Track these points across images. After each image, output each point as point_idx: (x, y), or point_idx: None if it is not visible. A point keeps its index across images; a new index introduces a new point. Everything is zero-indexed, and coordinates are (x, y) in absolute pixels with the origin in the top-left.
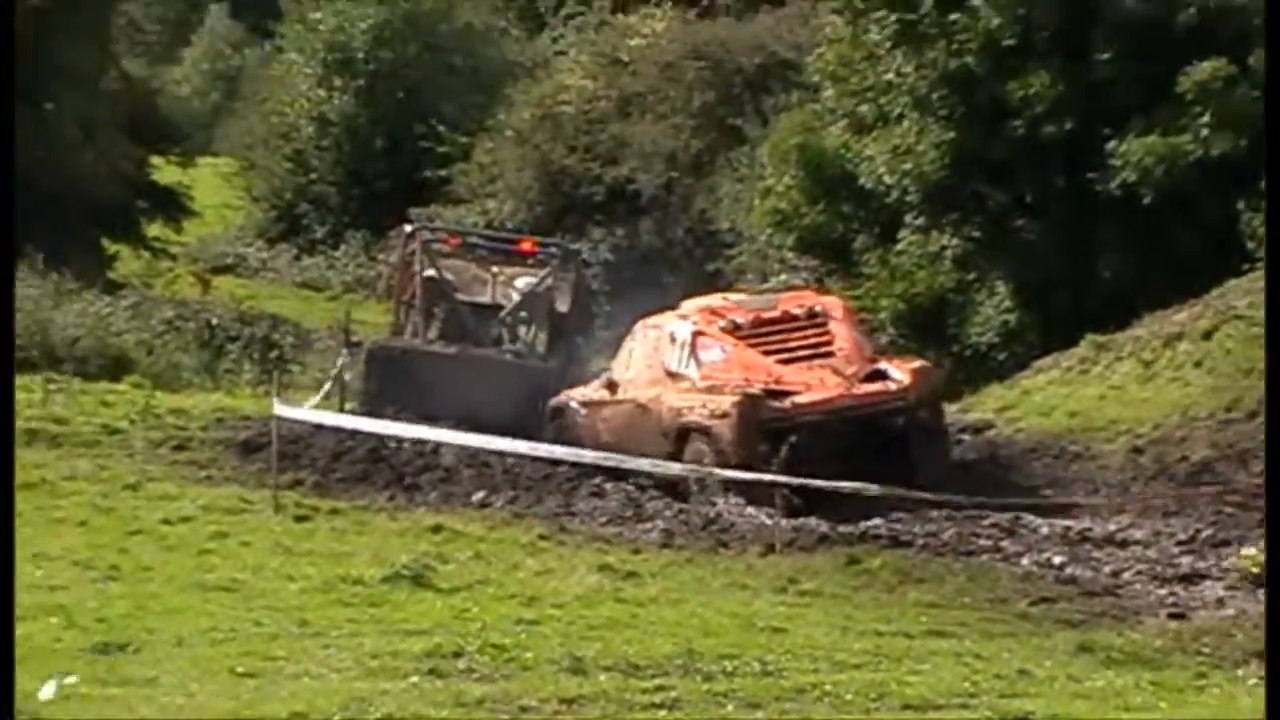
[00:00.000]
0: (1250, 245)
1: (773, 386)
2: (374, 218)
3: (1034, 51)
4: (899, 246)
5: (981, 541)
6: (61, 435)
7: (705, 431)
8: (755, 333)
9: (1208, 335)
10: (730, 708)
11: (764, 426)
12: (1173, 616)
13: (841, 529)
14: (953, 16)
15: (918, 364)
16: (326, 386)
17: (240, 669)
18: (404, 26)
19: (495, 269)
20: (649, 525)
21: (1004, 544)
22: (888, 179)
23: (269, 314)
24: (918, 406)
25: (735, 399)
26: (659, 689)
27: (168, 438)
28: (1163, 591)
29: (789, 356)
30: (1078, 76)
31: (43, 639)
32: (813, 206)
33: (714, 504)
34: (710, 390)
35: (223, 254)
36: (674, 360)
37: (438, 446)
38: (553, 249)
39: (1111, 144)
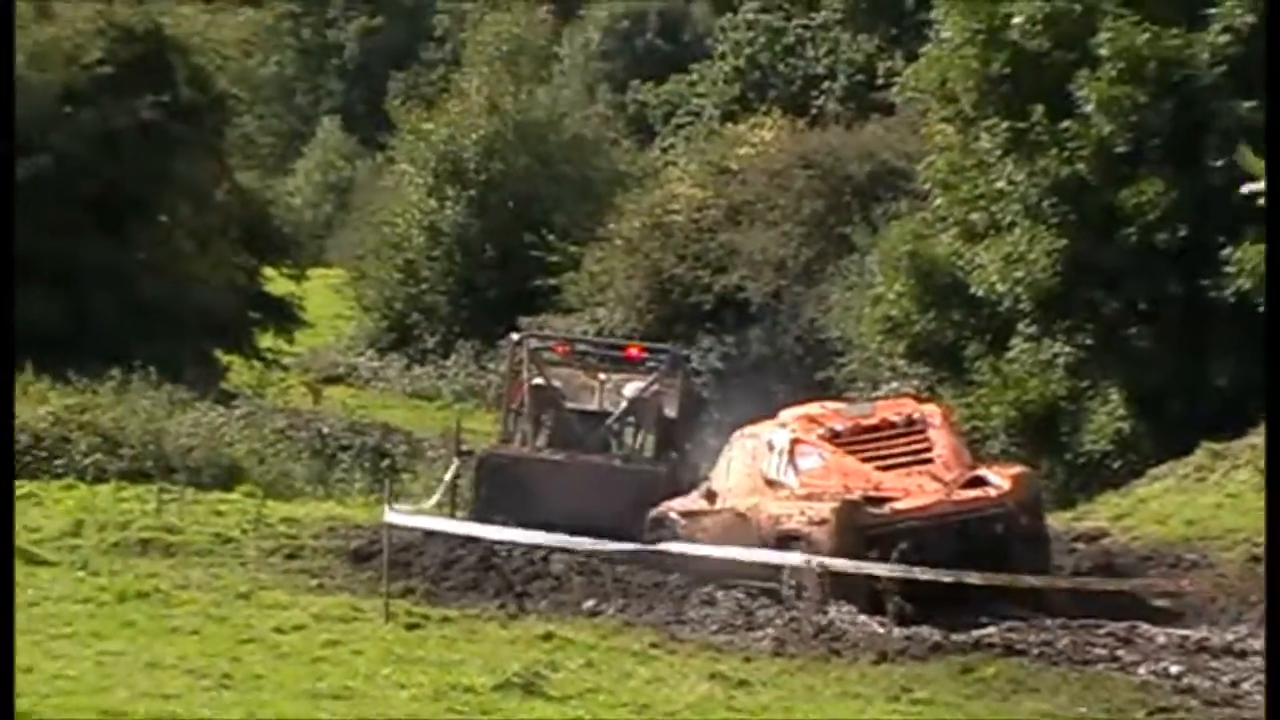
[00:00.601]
0: None
1: (871, 493)
2: (484, 327)
3: (1146, 158)
4: (1011, 354)
5: (1097, 650)
6: (175, 544)
7: (805, 539)
8: (854, 440)
9: None
10: None
11: (863, 533)
12: None
13: (955, 637)
14: (1064, 124)
15: (1017, 470)
16: (438, 494)
17: None
18: (514, 138)
19: (603, 376)
20: (760, 633)
21: (1120, 653)
22: (999, 286)
23: (380, 423)
24: (1018, 512)
25: (834, 505)
26: None
27: (280, 546)
28: None
29: (888, 463)
30: (1191, 183)
31: None
32: (923, 314)
33: (825, 612)
34: (809, 497)
35: (334, 364)
36: (772, 468)
37: (549, 554)
38: (661, 355)
39: (1226, 251)
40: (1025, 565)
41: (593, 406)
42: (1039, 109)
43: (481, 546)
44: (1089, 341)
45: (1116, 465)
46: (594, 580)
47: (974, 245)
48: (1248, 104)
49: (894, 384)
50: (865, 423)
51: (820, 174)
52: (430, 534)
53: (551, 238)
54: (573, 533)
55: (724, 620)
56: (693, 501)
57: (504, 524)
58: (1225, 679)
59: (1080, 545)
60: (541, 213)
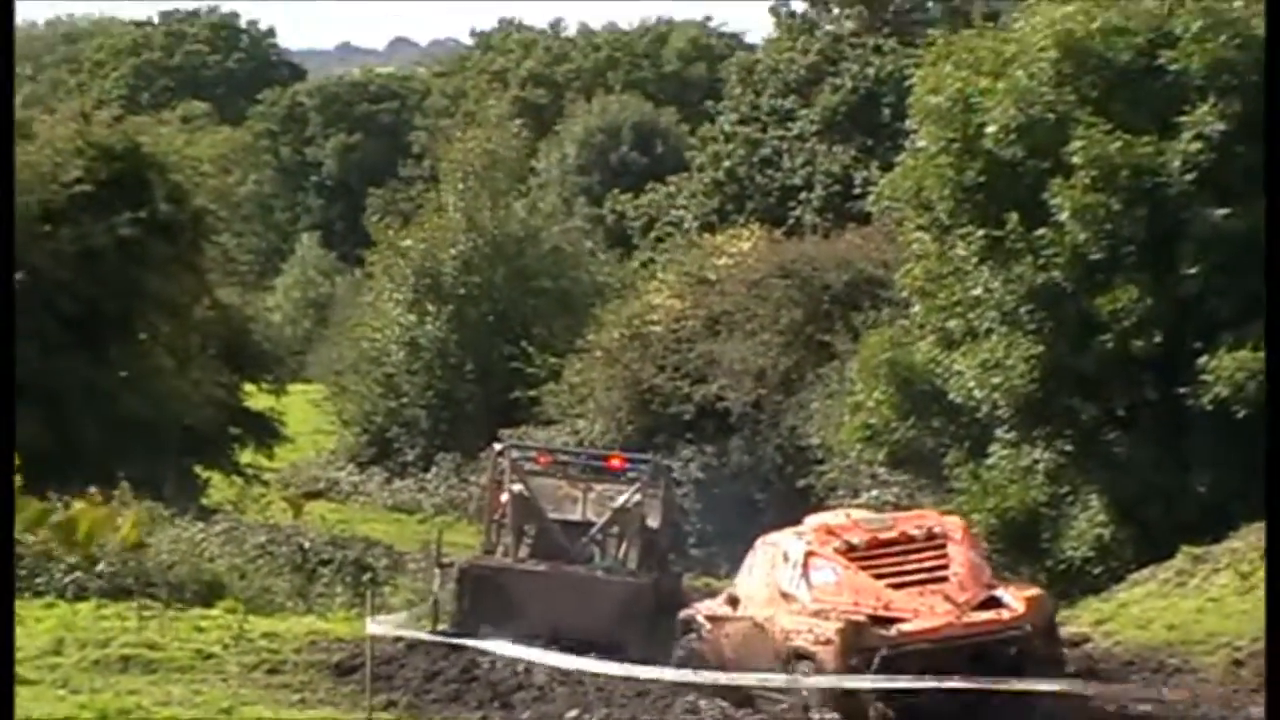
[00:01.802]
0: None
1: (880, 613)
2: (464, 439)
3: (1121, 265)
4: (990, 460)
5: None
6: (156, 661)
7: (810, 658)
8: (869, 554)
9: None
10: None
11: (869, 655)
12: None
13: None
14: (1039, 232)
15: (1033, 591)
16: (428, 605)
17: None
18: (492, 252)
19: (585, 486)
20: None
21: None
22: (978, 393)
23: (361, 537)
24: (1033, 636)
25: (839, 626)
26: None
27: (261, 661)
28: None
29: (902, 580)
30: (1167, 290)
31: None
32: (903, 421)
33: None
34: (818, 614)
35: (314, 478)
36: (787, 580)
37: (530, 665)
38: (642, 465)
39: (1203, 359)
40: (1042, 691)
41: (575, 516)
42: (1014, 217)
43: (464, 657)
44: (1068, 448)
45: (1097, 571)
46: (576, 690)
47: (952, 352)
48: (1220, 211)
49: (874, 491)
50: (883, 536)
51: (798, 283)
52: (412, 646)
53: (530, 350)
54: (556, 643)
55: None
56: (718, 605)
57: (487, 636)
58: None
59: (1064, 651)
60: (520, 325)
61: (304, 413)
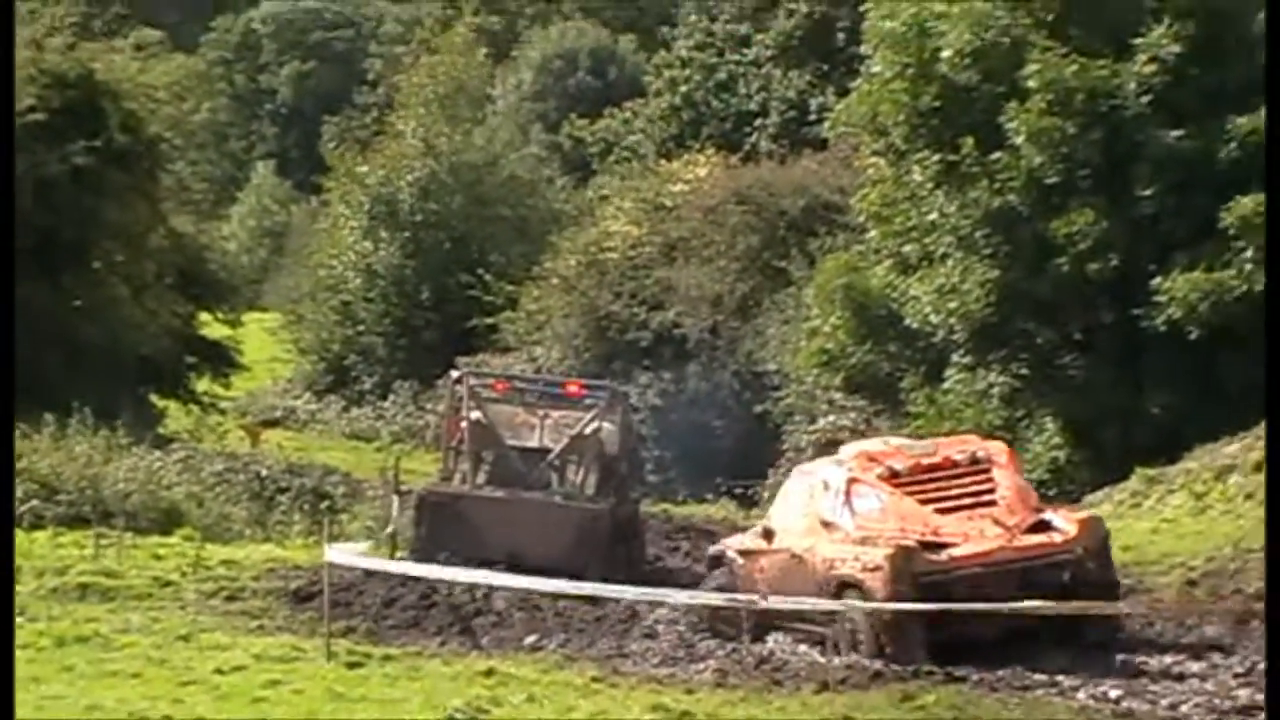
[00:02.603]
0: None
1: (929, 538)
2: (422, 368)
3: (1077, 189)
4: (946, 385)
5: (1037, 676)
6: (113, 589)
7: (857, 586)
8: (914, 480)
9: (1259, 467)
10: None
11: (918, 581)
12: None
13: (895, 666)
14: (994, 156)
15: (1085, 514)
16: (387, 530)
17: None
18: (450, 179)
19: (543, 412)
20: (702, 665)
21: (1060, 678)
22: (933, 318)
23: (318, 465)
24: (1085, 559)
25: (888, 552)
26: None
27: (219, 589)
28: None
29: (949, 505)
30: (1121, 213)
31: None
32: (859, 346)
33: (765, 642)
34: (864, 542)
35: (271, 407)
36: (829, 509)
37: (490, 590)
38: (600, 391)
39: (1157, 280)
40: (1093, 614)
41: (533, 443)
42: (969, 141)
43: (423, 584)
44: (1024, 371)
45: (1053, 493)
46: (535, 615)
47: (908, 277)
48: (1175, 133)
49: (831, 417)
50: (926, 461)
51: (755, 209)
52: (371, 573)
53: (488, 277)
54: (514, 570)
55: (666, 653)
56: (750, 539)
57: (446, 562)
58: (1164, 702)
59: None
60: (478, 253)
61: (260, 341)
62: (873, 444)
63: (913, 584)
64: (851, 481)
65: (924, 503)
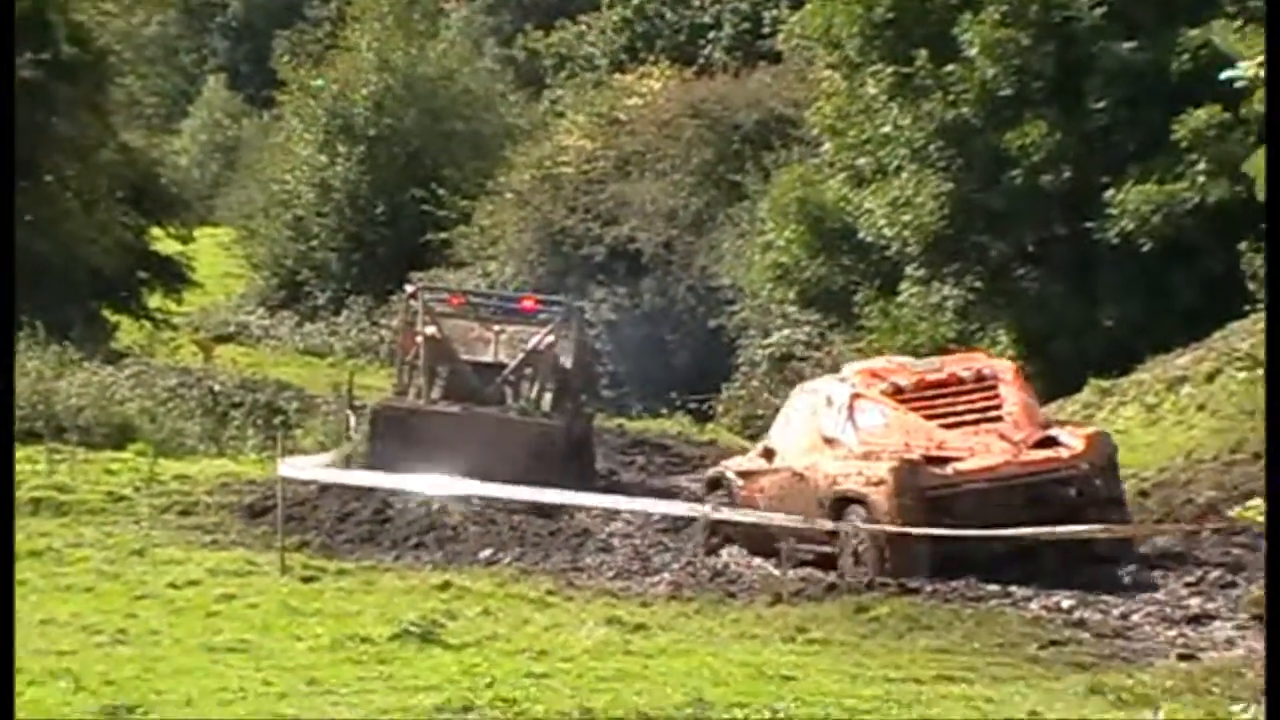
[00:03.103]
0: (1251, 287)
1: (934, 452)
2: (376, 283)
3: (1030, 101)
4: (900, 298)
5: (990, 587)
6: (67, 504)
7: (862, 501)
8: (918, 396)
9: (1210, 378)
10: None
11: (923, 495)
12: (1182, 657)
13: (849, 578)
14: (948, 68)
15: (1092, 430)
16: (344, 447)
17: None
18: (404, 93)
19: (498, 328)
20: (657, 578)
21: (1012, 589)
22: (887, 231)
23: (272, 380)
24: (1091, 475)
25: (892, 465)
26: None
27: (173, 504)
28: (1172, 633)
29: (954, 421)
30: (1075, 125)
31: (52, 703)
32: (813, 260)
33: (719, 555)
34: (867, 457)
35: (225, 322)
36: (831, 425)
37: (444, 504)
38: (555, 307)
39: (1110, 193)
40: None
41: (488, 358)
42: (923, 54)
43: (377, 499)
44: (977, 284)
45: None
46: (490, 529)
47: (862, 190)
48: (1128, 45)
49: (785, 331)
50: (931, 378)
51: (709, 123)
52: (325, 488)
53: (442, 192)
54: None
55: (620, 566)
56: (750, 460)
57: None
58: (1115, 612)
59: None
60: (432, 168)
61: (213, 256)
62: (876, 362)
63: (917, 498)
64: (855, 397)
65: (929, 418)
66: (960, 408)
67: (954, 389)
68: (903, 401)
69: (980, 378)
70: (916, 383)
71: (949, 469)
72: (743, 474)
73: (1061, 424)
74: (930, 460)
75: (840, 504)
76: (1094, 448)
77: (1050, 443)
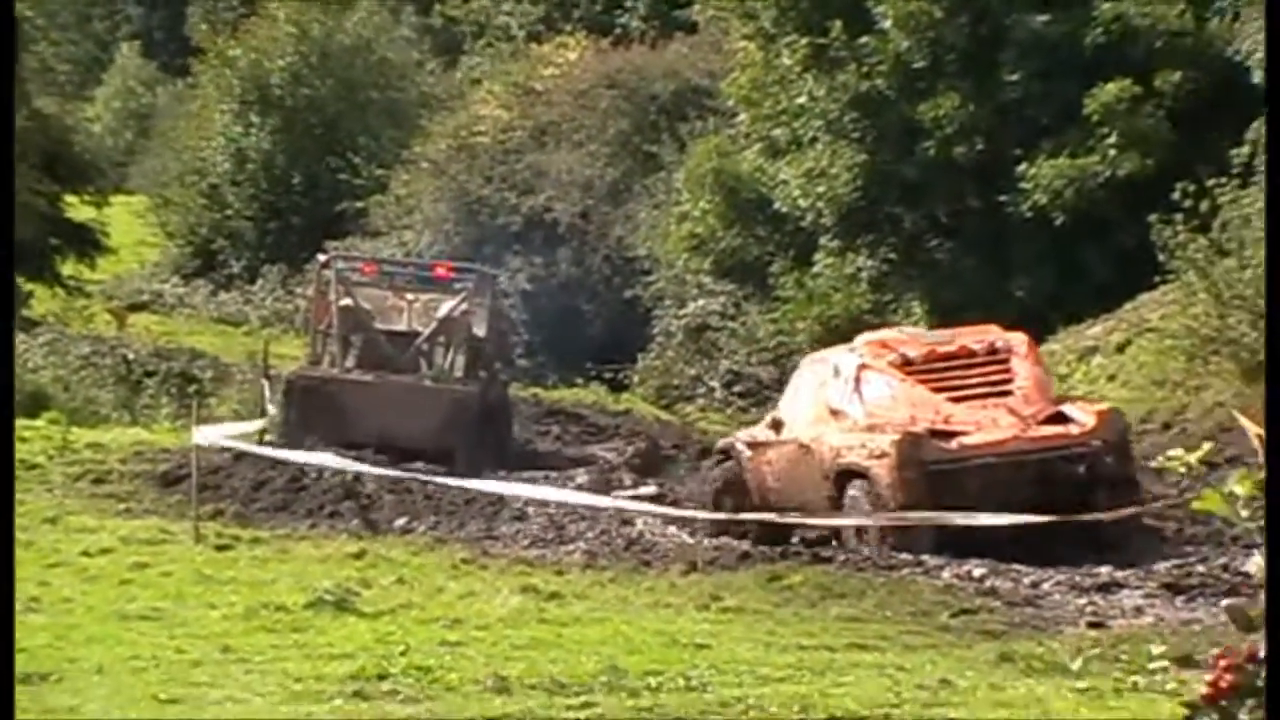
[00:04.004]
0: (1161, 259)
1: (940, 426)
2: (291, 252)
3: (944, 73)
4: (815, 269)
5: (903, 556)
6: None
7: (863, 474)
8: (928, 368)
9: (1121, 349)
10: None
11: (926, 469)
12: (1092, 625)
13: (762, 547)
14: (862, 39)
15: (1103, 406)
16: (262, 420)
17: (163, 696)
18: (321, 62)
19: (411, 296)
20: (571, 547)
21: (924, 558)
22: (802, 202)
23: (186, 349)
24: (1102, 453)
25: (895, 438)
26: (584, 705)
27: (86, 472)
28: (1082, 601)
29: (963, 394)
30: (988, 98)
31: None
32: (728, 231)
33: (633, 524)
34: (871, 429)
35: (138, 291)
36: (838, 396)
37: (359, 473)
38: (468, 274)
39: (1022, 166)
40: (1111, 511)
41: (401, 327)
42: (837, 25)
43: (291, 467)
44: (891, 255)
45: None
46: (405, 498)
47: (777, 161)
48: (1041, 18)
49: (700, 301)
50: (942, 349)
51: (625, 93)
52: (239, 456)
53: (358, 161)
54: (383, 452)
55: (535, 535)
56: (759, 431)
57: (313, 446)
58: (1026, 580)
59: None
60: (348, 137)
61: (127, 224)
62: (887, 332)
63: (920, 472)
64: (862, 368)
65: (937, 391)
66: (970, 381)
67: (964, 361)
68: (911, 373)
69: (992, 350)
70: (926, 354)
71: (954, 443)
72: (751, 445)
73: (1074, 400)
74: (935, 434)
75: (844, 477)
76: (1105, 424)
77: (1061, 419)
